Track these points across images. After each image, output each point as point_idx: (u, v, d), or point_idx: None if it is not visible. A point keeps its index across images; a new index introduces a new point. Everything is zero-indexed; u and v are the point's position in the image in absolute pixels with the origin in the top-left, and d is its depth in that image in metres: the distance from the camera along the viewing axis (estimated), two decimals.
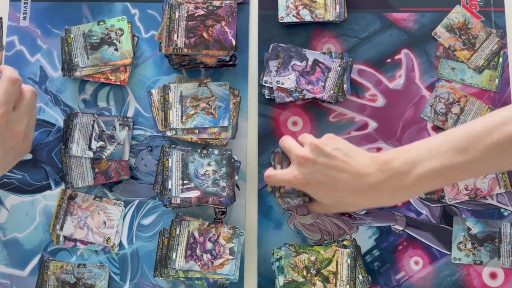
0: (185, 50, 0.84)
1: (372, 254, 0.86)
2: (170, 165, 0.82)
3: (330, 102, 0.89)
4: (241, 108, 0.89)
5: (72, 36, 0.89)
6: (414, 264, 0.86)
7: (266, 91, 0.89)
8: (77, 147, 0.86)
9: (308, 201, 0.81)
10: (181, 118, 0.84)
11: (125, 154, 0.87)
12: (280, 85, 0.87)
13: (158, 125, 0.85)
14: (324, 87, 0.88)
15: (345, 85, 0.88)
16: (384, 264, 0.86)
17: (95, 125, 0.88)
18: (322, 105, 0.91)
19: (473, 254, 0.85)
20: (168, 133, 0.84)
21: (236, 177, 0.83)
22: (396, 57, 0.92)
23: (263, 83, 0.89)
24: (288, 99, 0.88)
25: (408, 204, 0.88)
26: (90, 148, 0.87)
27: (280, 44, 0.90)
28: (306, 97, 0.88)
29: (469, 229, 0.86)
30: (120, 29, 0.90)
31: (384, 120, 0.90)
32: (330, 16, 0.90)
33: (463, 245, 0.86)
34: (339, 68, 0.88)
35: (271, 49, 0.90)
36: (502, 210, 0.88)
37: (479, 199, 0.88)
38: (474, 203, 0.88)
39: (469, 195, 0.87)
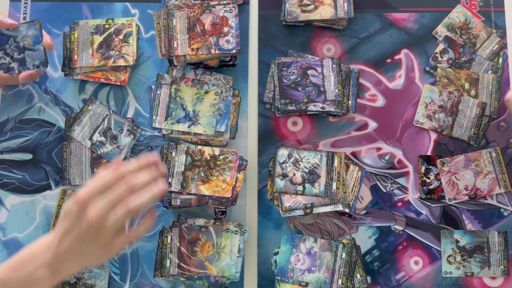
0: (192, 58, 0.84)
1: (372, 254, 0.86)
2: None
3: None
4: (241, 108, 0.89)
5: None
6: (414, 264, 0.86)
7: (267, 105, 0.91)
8: (80, 132, 0.87)
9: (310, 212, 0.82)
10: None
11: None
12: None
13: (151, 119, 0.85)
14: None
15: (350, 101, 0.88)
16: (384, 264, 0.86)
17: (106, 120, 0.88)
18: None
19: (464, 266, 0.85)
20: (164, 132, 0.84)
21: (238, 175, 0.82)
22: (396, 57, 0.92)
23: (264, 100, 0.90)
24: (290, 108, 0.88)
25: (408, 204, 0.88)
26: (90, 138, 0.87)
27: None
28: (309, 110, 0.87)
29: (457, 241, 0.86)
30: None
31: (384, 120, 0.90)
32: (339, 13, 0.89)
33: (452, 258, 0.86)
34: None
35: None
36: (502, 210, 0.88)
37: (479, 199, 0.88)
38: (474, 203, 0.88)
39: (469, 195, 0.87)
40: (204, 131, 0.83)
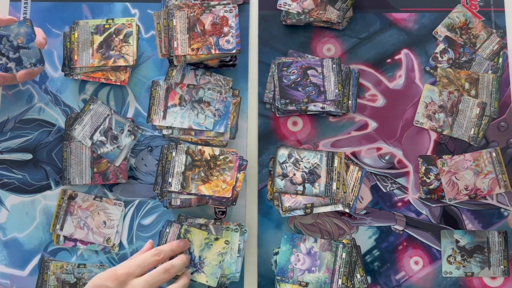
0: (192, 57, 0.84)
1: (372, 254, 0.86)
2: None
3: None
4: (241, 108, 0.89)
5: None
6: (414, 264, 0.86)
7: (267, 105, 0.90)
8: (81, 131, 0.86)
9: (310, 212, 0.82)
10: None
11: (118, 159, 0.87)
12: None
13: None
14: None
15: (350, 101, 0.88)
16: (384, 264, 0.86)
17: (107, 120, 0.87)
18: None
19: (464, 266, 0.85)
20: (165, 132, 0.84)
21: (238, 175, 0.82)
22: (396, 57, 0.92)
23: (264, 100, 0.90)
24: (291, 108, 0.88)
25: (408, 204, 0.88)
26: (91, 138, 0.87)
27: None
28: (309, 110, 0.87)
29: (457, 241, 0.86)
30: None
31: (384, 120, 0.90)
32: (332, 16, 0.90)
33: (452, 258, 0.86)
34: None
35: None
36: (502, 210, 0.88)
37: (479, 199, 0.88)
38: (474, 203, 0.88)
39: (469, 195, 0.87)
40: (207, 282, 0.80)
